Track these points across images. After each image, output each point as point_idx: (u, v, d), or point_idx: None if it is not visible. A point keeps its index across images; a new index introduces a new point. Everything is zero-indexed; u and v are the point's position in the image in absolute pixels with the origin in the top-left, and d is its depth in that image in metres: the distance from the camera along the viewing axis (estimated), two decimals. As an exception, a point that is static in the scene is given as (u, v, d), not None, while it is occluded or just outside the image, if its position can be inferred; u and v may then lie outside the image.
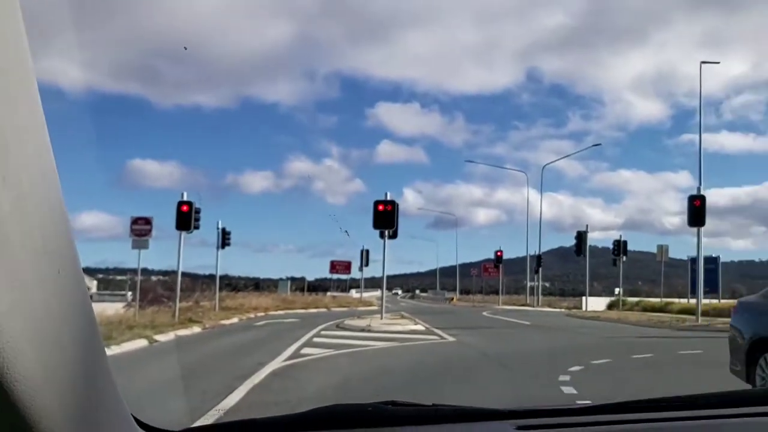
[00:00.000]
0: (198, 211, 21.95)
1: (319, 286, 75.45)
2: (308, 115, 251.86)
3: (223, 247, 29.77)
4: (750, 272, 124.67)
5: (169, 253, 22.00)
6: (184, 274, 25.32)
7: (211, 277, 32.27)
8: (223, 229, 29.64)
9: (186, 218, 21.43)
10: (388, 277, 24.14)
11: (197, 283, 35.35)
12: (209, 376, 9.69)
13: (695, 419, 1.39)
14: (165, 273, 35.04)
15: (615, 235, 39.84)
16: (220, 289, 32.46)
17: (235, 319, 25.07)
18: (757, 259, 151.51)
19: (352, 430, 1.32)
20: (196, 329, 19.33)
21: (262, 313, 30.50)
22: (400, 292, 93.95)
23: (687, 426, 1.37)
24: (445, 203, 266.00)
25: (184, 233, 21.44)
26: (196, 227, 22.02)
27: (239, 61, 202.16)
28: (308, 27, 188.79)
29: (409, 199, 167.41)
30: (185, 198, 21.62)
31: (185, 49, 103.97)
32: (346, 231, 33.79)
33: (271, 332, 18.81)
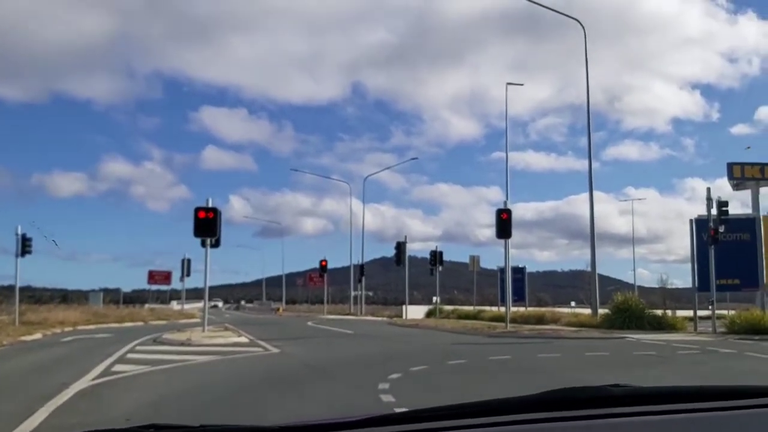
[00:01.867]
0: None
1: (136, 298, 71.56)
2: (127, 115, 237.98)
3: (23, 254, 27.13)
4: (554, 281, 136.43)
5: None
6: (-23, 286, 22.78)
7: (11, 288, 29.36)
8: (23, 235, 27.06)
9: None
10: (213, 287, 23.46)
11: (-6, 295, 32.07)
12: (5, 399, 8.79)
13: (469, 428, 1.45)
14: (-47, 284, 31.32)
15: (434, 245, 41.66)
16: (21, 301, 29.63)
17: (38, 335, 22.97)
18: (559, 269, 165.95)
19: None
20: (-9, 347, 17.50)
21: (70, 328, 28.27)
22: (220, 303, 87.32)
23: None
24: (273, 212, 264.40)
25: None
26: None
27: (48, 53, 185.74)
28: (126, 22, 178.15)
29: (236, 207, 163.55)
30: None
31: None
32: None
33: (80, 349, 17.49)
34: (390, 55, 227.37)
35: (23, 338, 21.04)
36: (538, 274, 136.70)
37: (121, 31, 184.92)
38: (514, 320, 27.88)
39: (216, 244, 21.57)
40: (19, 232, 26.96)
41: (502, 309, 33.23)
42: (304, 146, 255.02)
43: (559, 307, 46.47)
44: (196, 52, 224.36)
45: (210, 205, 20.84)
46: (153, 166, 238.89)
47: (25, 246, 27.24)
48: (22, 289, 30.81)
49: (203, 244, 21.11)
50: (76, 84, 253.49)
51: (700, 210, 24.72)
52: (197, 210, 20.71)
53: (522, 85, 45.52)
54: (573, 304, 51.87)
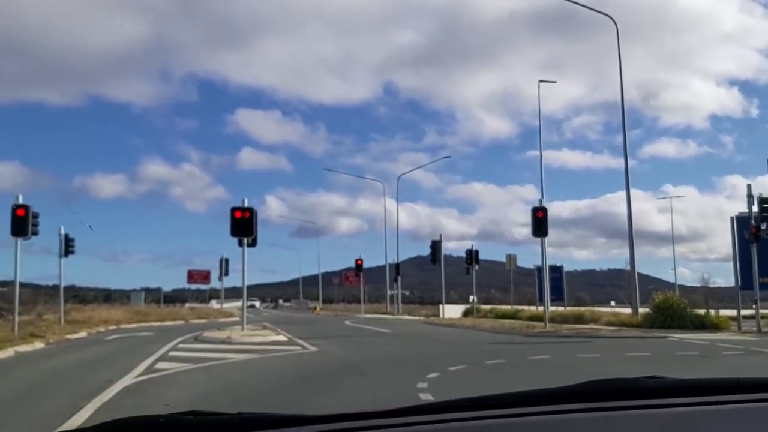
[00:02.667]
0: (36, 216, 20.50)
1: (176, 297, 72.69)
2: (164, 117, 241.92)
3: (66, 255, 27.82)
4: (593, 281, 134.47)
5: (6, 261, 20.31)
6: (24, 285, 23.50)
7: (56, 287, 30.12)
8: (66, 236, 27.75)
9: (22, 223, 19.90)
10: (251, 286, 23.74)
11: (40, 294, 32.98)
12: (53, 395, 9.05)
13: (486, 419, 1.45)
14: (2, 284, 32.22)
15: (470, 244, 41.43)
16: (66, 300, 30.38)
17: (82, 333, 23.55)
18: (598, 268, 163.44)
19: None
20: (39, 345, 17.97)
21: (114, 327, 28.91)
22: (257, 303, 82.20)
23: (471, 426, 1.42)
24: (309, 212, 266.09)
25: (20, 240, 19.88)
26: (35, 233, 20.54)
27: (87, 57, 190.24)
28: (163, 26, 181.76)
29: (273, 207, 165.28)
30: (20, 201, 20.09)
31: None
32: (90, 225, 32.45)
33: (123, 347, 17.87)
34: (421, 55, 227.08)
35: (68, 336, 21.58)
36: (576, 273, 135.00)
37: (158, 35, 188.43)
38: (552, 320, 27.60)
39: (253, 244, 21.84)
40: (62, 232, 27.68)
41: (540, 308, 32.94)
42: (337, 147, 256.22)
43: (598, 306, 45.79)
44: (230, 55, 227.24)
45: (246, 205, 21.12)
46: (191, 168, 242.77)
47: (68, 246, 27.95)
48: (67, 289, 31.57)
49: (240, 244, 21.40)
50: (114, 88, 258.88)
51: (741, 207, 24.10)
52: (234, 210, 21.02)
53: (554, 82, 45.11)
54: (613, 303, 51.07)
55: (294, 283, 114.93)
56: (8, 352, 15.50)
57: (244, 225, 20.96)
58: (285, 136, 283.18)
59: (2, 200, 19.90)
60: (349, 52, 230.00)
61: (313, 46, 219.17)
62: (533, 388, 1.60)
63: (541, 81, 33.10)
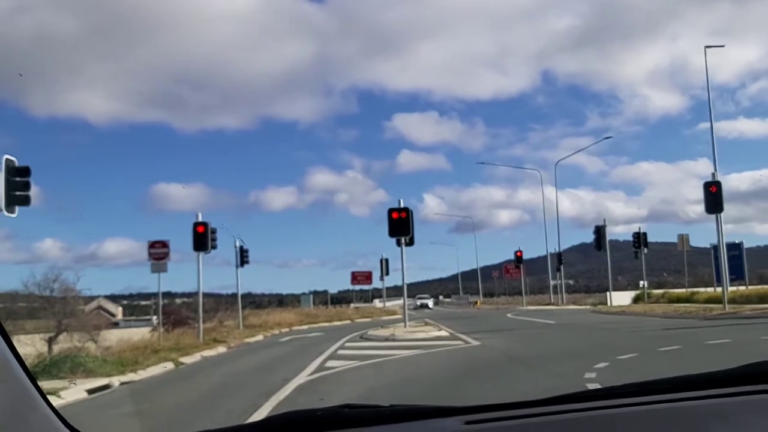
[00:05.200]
0: (214, 231, 22.11)
1: (342, 299, 75.52)
2: (328, 130, 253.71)
3: (242, 265, 29.97)
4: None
5: (193, 274, 22.17)
6: (207, 295, 25.48)
7: (234, 295, 32.49)
8: (241, 248, 29.85)
9: (202, 239, 21.59)
10: (411, 284, 24.14)
11: (221, 302, 35.55)
12: (235, 395, 9.74)
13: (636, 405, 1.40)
14: (189, 295, 35.26)
15: (638, 227, 39.31)
16: (244, 307, 32.66)
17: (259, 337, 25.19)
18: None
19: None
20: (221, 349, 19.45)
21: (286, 329, 30.63)
22: (430, 302, 69.78)
23: (592, 417, 1.37)
24: (467, 207, 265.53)
25: (202, 254, 21.58)
26: (214, 247, 22.18)
27: (258, 82, 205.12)
28: (324, 44, 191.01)
29: (431, 205, 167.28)
30: (200, 219, 21.78)
31: (20, 75, 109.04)
32: None
33: (296, 347, 18.86)
34: (579, 39, 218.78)
35: (247, 340, 23.17)
36: (758, 249, 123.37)
37: (319, 53, 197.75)
38: (732, 300, 25.51)
39: (410, 243, 22.22)
40: (237, 245, 29.82)
41: (718, 289, 30.54)
42: (495, 140, 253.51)
43: (787, 284, 41.65)
44: (386, 63, 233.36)
45: (402, 205, 21.57)
46: (354, 174, 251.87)
47: (243, 257, 30.07)
48: (244, 296, 33.93)
49: (398, 244, 21.87)
50: (283, 107, 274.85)
51: None
52: (390, 211, 21.59)
53: (722, 46, 41.45)
54: (805, 280, 46.20)
55: (453, 278, 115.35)
56: (195, 357, 16.92)
57: (400, 225, 21.48)
58: (442, 135, 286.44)
59: (187, 219, 21.66)
60: (504, 44, 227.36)
61: (467, 43, 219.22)
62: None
63: (707, 47, 30.62)
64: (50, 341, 17.02)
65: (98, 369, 12.94)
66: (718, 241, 25.50)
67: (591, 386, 7.99)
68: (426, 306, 64.57)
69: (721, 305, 24.24)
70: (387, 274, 49.34)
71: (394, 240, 21.90)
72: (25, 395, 1.10)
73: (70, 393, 10.38)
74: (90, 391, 10.90)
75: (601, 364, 9.96)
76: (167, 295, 33.63)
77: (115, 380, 12.13)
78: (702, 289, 38.11)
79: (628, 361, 10.76)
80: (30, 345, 15.40)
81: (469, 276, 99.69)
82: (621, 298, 40.92)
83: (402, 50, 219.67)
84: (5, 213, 12.19)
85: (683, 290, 39.49)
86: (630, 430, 1.34)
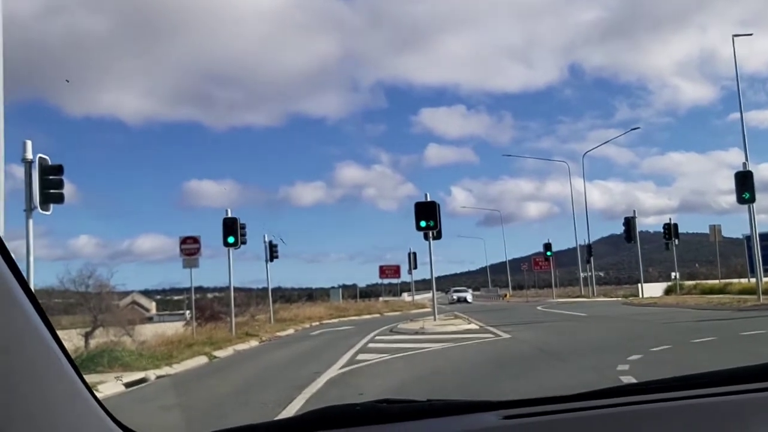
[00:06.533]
0: (243, 227, 22.28)
1: (370, 292, 75.72)
2: (355, 125, 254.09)
3: (271, 260, 30.17)
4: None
5: (224, 269, 22.34)
6: (239, 289, 25.76)
7: (264, 290, 32.79)
8: (270, 242, 30.06)
9: (231, 234, 21.78)
10: (439, 277, 24.13)
11: (252, 297, 35.90)
12: (268, 389, 9.87)
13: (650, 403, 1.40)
14: (221, 290, 35.67)
15: (668, 218, 38.78)
16: (275, 301, 32.93)
17: (290, 330, 25.40)
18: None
19: (345, 429, 1.36)
20: (254, 343, 19.66)
21: (317, 323, 30.82)
22: (469, 296, 64.05)
23: (631, 411, 1.38)
24: (496, 200, 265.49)
25: (232, 249, 21.80)
26: (243, 242, 22.35)
27: (286, 79, 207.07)
28: (351, 40, 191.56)
29: (459, 199, 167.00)
30: (230, 214, 21.99)
31: (67, 81, 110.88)
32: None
33: (327, 341, 18.99)
34: (606, 31, 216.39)
35: (279, 334, 23.38)
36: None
37: (347, 49, 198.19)
38: (766, 291, 25.03)
39: (437, 236, 22.21)
40: (266, 240, 30.04)
41: (752, 280, 29.99)
42: (523, 133, 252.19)
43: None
44: (413, 58, 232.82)
45: (428, 199, 21.55)
46: (382, 169, 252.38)
47: (272, 252, 30.29)
48: (274, 290, 34.19)
49: (426, 237, 21.87)
50: (311, 104, 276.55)
51: None
52: (417, 205, 21.55)
53: (750, 35, 40.33)
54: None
55: (482, 271, 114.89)
56: (228, 351, 17.14)
57: (427, 210, 21.46)
58: (470, 129, 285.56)
59: (219, 215, 21.78)
60: (531, 38, 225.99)
61: (494, 37, 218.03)
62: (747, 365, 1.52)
63: (735, 35, 30.01)
64: (87, 336, 17.39)
65: (134, 363, 13.20)
66: (751, 231, 25.06)
67: (624, 379, 7.95)
68: (464, 300, 58.58)
69: (755, 296, 23.84)
70: (415, 267, 49.14)
71: (421, 234, 21.92)
72: (73, 389, 1.15)
73: (109, 387, 10.62)
74: (127, 385, 11.13)
75: (634, 356, 9.89)
76: (199, 289, 34.09)
77: (151, 374, 12.36)
78: (735, 280, 37.43)
79: (662, 353, 10.67)
80: (67, 340, 15.72)
81: (497, 269, 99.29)
82: (653, 290, 40.41)
83: (429, 44, 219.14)
84: (40, 210, 12.46)
85: (716, 281, 38.85)
86: (671, 424, 1.34)
